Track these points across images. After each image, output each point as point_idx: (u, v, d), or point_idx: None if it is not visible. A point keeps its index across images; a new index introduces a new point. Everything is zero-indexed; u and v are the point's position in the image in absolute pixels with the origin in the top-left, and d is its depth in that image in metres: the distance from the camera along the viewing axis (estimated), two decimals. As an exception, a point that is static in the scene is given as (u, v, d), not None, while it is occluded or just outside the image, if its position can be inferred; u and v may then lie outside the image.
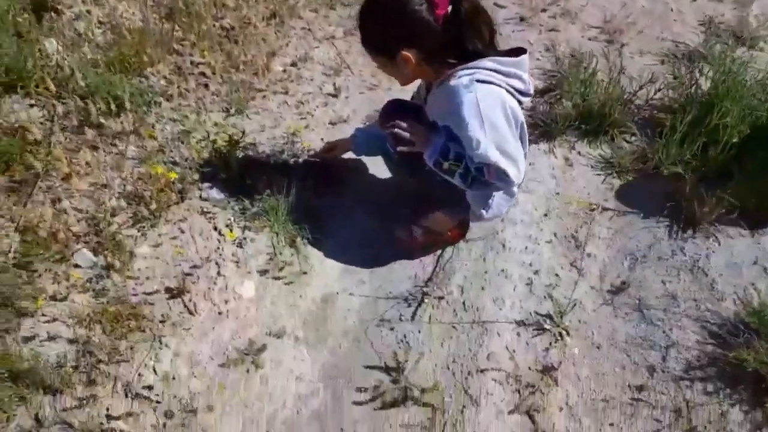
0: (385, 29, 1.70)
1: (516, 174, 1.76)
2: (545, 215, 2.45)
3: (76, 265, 1.97)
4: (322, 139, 2.66)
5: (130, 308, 1.90)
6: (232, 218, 2.25)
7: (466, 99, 1.66)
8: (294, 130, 2.65)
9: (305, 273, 2.16)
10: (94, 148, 2.22)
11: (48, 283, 1.88)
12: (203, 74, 2.73)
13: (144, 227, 2.14)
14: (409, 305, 2.14)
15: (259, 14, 3.19)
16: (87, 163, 2.17)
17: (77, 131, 2.19)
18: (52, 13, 2.45)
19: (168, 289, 2.00)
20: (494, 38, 1.72)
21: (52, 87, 2.07)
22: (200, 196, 2.30)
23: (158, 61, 2.60)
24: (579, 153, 2.74)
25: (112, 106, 2.19)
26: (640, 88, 2.79)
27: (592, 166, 2.69)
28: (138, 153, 2.32)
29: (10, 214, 1.93)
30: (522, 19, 3.58)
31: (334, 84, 2.89)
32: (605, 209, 2.51)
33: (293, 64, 3.01)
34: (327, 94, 2.89)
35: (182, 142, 2.44)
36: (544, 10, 3.65)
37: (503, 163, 1.71)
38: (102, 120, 2.19)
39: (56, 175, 2.06)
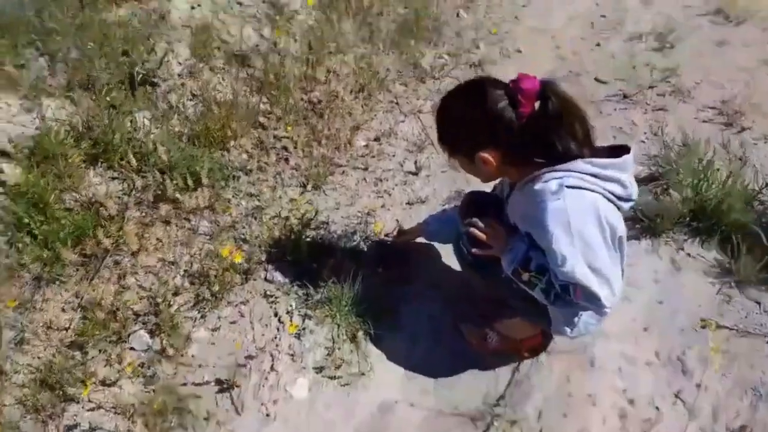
0: (461, 129, 1.54)
1: (608, 297, 1.50)
2: (645, 330, 2.12)
3: (132, 348, 1.91)
4: (397, 221, 2.52)
5: (177, 401, 1.80)
6: (294, 305, 2.14)
7: (553, 207, 1.44)
8: (369, 210, 2.53)
9: (363, 374, 1.98)
10: (167, 222, 2.21)
11: (100, 365, 1.84)
12: (285, 148, 2.71)
13: (205, 309, 2.08)
14: (477, 427, 1.87)
15: (347, 87, 3.17)
16: (158, 239, 2.16)
17: (152, 206, 2.20)
18: (148, 87, 2.53)
19: (218, 381, 1.90)
20: (590, 135, 1.50)
21: (134, 162, 2.10)
22: (265, 278, 2.21)
23: (242, 135, 2.61)
24: (688, 255, 2.39)
25: (189, 182, 2.18)
26: (767, 184, 2.41)
27: (704, 272, 2.32)
28: (210, 229, 2.29)
29: (75, 290, 1.92)
30: (625, 97, 3.30)
31: (416, 162, 2.77)
32: (720, 327, 2.13)
33: (376, 139, 2.93)
34: (407, 171, 2.77)
35: (255, 218, 2.39)
36: (651, 87, 3.35)
37: (593, 284, 1.47)
38: (178, 195, 2.18)
39: (126, 251, 2.06)
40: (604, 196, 1.49)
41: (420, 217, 2.53)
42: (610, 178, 1.48)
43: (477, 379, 1.99)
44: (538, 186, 1.47)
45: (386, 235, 2.36)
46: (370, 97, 3.17)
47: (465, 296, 2.18)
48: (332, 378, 1.96)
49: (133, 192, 2.18)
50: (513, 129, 1.44)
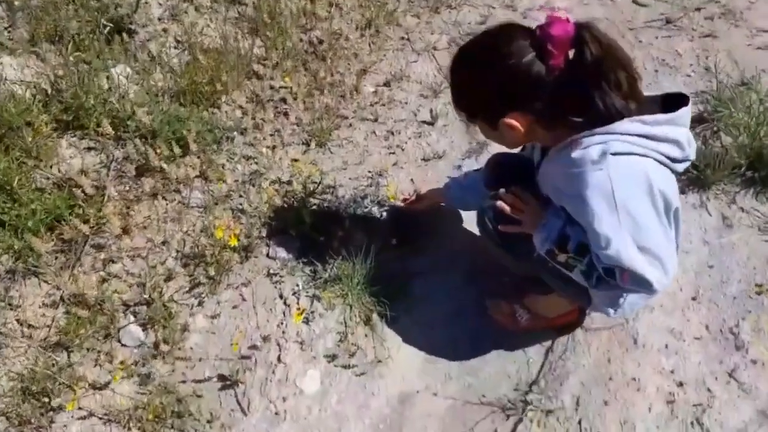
0: (480, 92, 1.25)
1: (660, 279, 1.25)
2: (693, 299, 1.88)
3: (123, 344, 1.73)
4: (411, 180, 2.26)
5: (176, 402, 1.64)
6: (300, 284, 1.93)
7: (594, 179, 1.18)
8: (380, 169, 2.26)
9: (380, 362, 1.79)
10: (154, 196, 1.98)
11: (89, 367, 1.67)
12: (283, 100, 2.41)
13: (202, 294, 1.88)
14: (508, 417, 1.70)
15: (352, 24, 2.81)
16: (145, 217, 1.94)
17: (135, 179, 1.95)
18: (125, 35, 2.21)
19: (221, 377, 1.73)
20: (636, 86, 1.20)
21: (110, 129, 1.83)
22: (267, 254, 2.00)
23: (234, 88, 2.31)
24: (742, 209, 2.11)
25: (176, 149, 1.92)
26: (839, 126, 2.08)
27: (760, 229, 2.05)
28: (203, 200, 2.05)
29: (55, 282, 1.72)
30: (668, 22, 2.90)
31: (431, 110, 2.46)
32: (780, 294, 1.89)
33: (386, 84, 2.61)
34: (422, 121, 2.46)
35: (253, 185, 2.14)
36: (698, 9, 2.94)
37: (643, 268, 1.22)
38: (164, 165, 1.92)
39: (109, 233, 1.83)
40: (657, 161, 1.21)
41: (438, 174, 2.27)
42: (664, 137, 1.20)
43: (506, 363, 1.80)
44: (575, 153, 1.21)
45: (402, 200, 2.10)
46: (377, 33, 2.82)
47: (490, 268, 1.94)
48: (346, 367, 1.78)
49: (113, 164, 1.93)
50: (543, 86, 1.15)
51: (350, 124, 2.43)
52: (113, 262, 1.84)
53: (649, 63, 2.69)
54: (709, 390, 1.70)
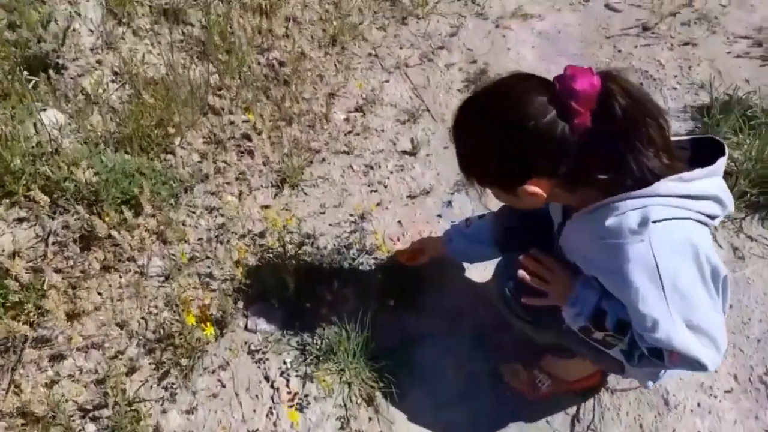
0: (493, 159, 1.06)
1: (714, 358, 1.09)
2: (717, 345, 1.75)
3: (81, 460, 1.42)
4: (399, 222, 2.02)
5: None
6: (289, 362, 1.66)
7: (635, 252, 1.00)
8: (363, 211, 2.01)
9: (389, 448, 1.56)
10: (105, 269, 1.65)
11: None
12: (247, 137, 2.11)
13: (173, 385, 1.58)
14: (538, 502, 1.51)
15: (314, 41, 2.53)
16: (97, 293, 1.61)
17: (80, 253, 1.62)
18: (51, 72, 1.85)
19: (205, 489, 1.45)
20: (669, 139, 1.02)
21: (43, 196, 1.49)
22: (246, 327, 1.72)
23: (188, 128, 1.99)
24: (750, 238, 2.00)
25: (126, 213, 1.60)
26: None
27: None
28: (163, 267, 1.74)
29: (-11, 397, 1.39)
30: (645, 29, 2.79)
31: (412, 139, 2.23)
32: (801, 331, 1.79)
33: (358, 109, 2.35)
34: (402, 152, 2.23)
35: (221, 243, 1.84)
36: (673, 14, 2.83)
37: (696, 349, 1.06)
38: (113, 232, 1.60)
39: (53, 323, 1.50)
40: (697, 221, 1.04)
41: (426, 213, 2.05)
42: (704, 195, 1.04)
43: (528, 436, 1.61)
44: (611, 221, 1.03)
45: (396, 252, 1.85)
46: (343, 51, 2.55)
47: (500, 325, 1.74)
48: (351, 459, 1.54)
49: (50, 238, 1.59)
50: (567, 149, 0.98)
51: (323, 159, 2.17)
52: (62, 358, 1.52)
53: (632, 76, 2.55)
54: (748, 452, 1.57)
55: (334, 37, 2.55)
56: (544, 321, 1.37)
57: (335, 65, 2.49)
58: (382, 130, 2.30)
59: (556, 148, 0.98)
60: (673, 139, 1.09)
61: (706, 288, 1.06)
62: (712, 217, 1.07)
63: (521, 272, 1.26)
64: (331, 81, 2.42)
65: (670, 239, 1.01)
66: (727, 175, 2.07)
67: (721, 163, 1.05)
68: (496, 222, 1.57)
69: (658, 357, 1.11)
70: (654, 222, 0.99)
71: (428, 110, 2.38)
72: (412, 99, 2.43)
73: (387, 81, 2.48)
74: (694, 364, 1.09)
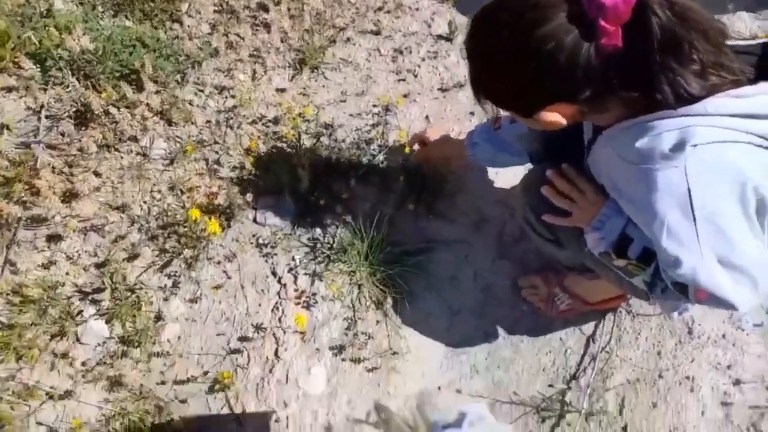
0: (508, 84, 0.90)
1: (748, 299, 0.96)
2: (757, 277, 1.62)
3: (83, 342, 1.41)
4: (426, 118, 1.84)
5: (156, 410, 1.37)
6: (298, 259, 1.59)
7: (665, 180, 0.87)
8: (388, 103, 1.83)
9: (396, 354, 1.52)
10: (105, 149, 1.53)
11: (44, 372, 1.35)
12: (263, 8, 1.88)
13: (176, 273, 1.53)
14: (543, 419, 1.49)
15: None
16: (95, 174, 1.51)
17: (76, 128, 1.50)
18: None
19: (206, 375, 1.44)
20: (722, 54, 0.84)
21: (32, 66, 1.34)
22: (254, 219, 1.63)
23: (198, -7, 1.77)
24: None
25: (126, 89, 1.46)
26: None
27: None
28: (168, 150, 1.63)
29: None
30: None
31: (450, 21, 1.97)
32: None
33: (392, -15, 2.07)
34: (437, 36, 1.99)
35: (230, 127, 1.71)
36: None
37: (726, 289, 0.93)
38: (112, 108, 1.47)
39: (48, 203, 1.42)
40: (753, 144, 0.87)
41: (458, 110, 1.86)
42: (765, 113, 0.85)
43: (540, 354, 1.55)
44: (641, 142, 0.88)
45: (411, 148, 1.69)
46: None
47: (524, 236, 1.63)
48: (356, 361, 1.51)
49: (43, 110, 1.46)
50: (592, 73, 0.81)
51: (348, 38, 1.94)
52: (59, 239, 1.45)
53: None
54: (769, 389, 1.50)
55: None
56: (567, 241, 1.26)
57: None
58: (417, 9, 2.03)
59: (579, 73, 0.81)
60: (740, 43, 0.91)
61: (749, 223, 0.91)
62: None
63: (545, 188, 1.15)
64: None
65: (710, 166, 0.86)
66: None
67: None
68: (530, 136, 1.39)
69: (683, 292, 1.00)
70: (693, 146, 0.84)
71: (469, -12, 2.09)
72: (453, -23, 2.12)
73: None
74: (723, 303, 0.97)
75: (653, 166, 0.87)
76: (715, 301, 0.97)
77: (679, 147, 0.85)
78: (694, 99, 0.83)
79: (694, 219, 0.88)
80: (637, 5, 0.77)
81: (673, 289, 1.01)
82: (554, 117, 0.91)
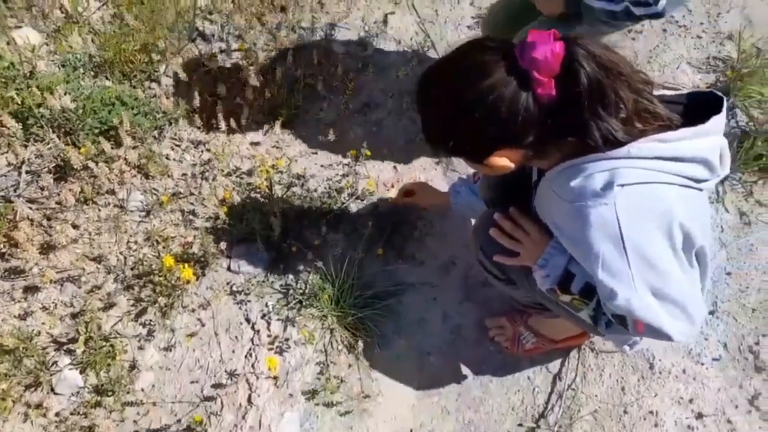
0: (454, 133, 0.98)
1: (684, 331, 1.03)
2: (711, 313, 1.71)
3: (57, 392, 1.42)
4: (395, 168, 1.94)
5: (128, 462, 1.37)
6: (270, 305, 1.63)
7: (597, 216, 0.94)
8: (358, 154, 1.92)
9: (368, 397, 1.55)
10: (83, 202, 1.59)
11: (17, 423, 1.36)
12: (237, 68, 1.99)
13: (151, 322, 1.56)
14: (513, 457, 1.52)
15: (314, -36, 2.34)
16: (73, 226, 1.55)
17: (55, 182, 1.55)
18: (28, -16, 1.72)
19: (179, 422, 1.45)
20: (645, 102, 0.94)
21: (14, 125, 1.41)
22: (228, 267, 1.68)
23: (174, 54, 1.87)
24: (759, 203, 1.91)
25: (105, 145, 1.52)
26: None
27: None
28: (145, 202, 1.68)
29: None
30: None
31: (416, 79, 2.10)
32: (799, 302, 1.73)
33: (360, 44, 2.21)
34: (404, 91, 2.10)
35: (206, 179, 1.77)
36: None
37: (660, 319, 1.00)
38: (91, 163, 1.53)
39: (27, 255, 1.46)
40: (677, 185, 0.96)
41: (423, 160, 1.96)
42: (690, 157, 0.95)
43: (509, 393, 1.59)
44: (575, 182, 0.97)
45: (396, 197, 1.77)
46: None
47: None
48: (328, 406, 1.53)
49: (24, 166, 1.52)
50: (533, 118, 0.90)
51: (319, 94, 2.05)
52: (36, 290, 1.48)
53: (656, 21, 2.37)
54: (729, 422, 1.55)
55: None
56: (518, 280, 1.32)
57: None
58: (384, 67, 2.16)
59: (520, 119, 0.90)
60: (668, 93, 1.02)
61: (676, 257, 0.99)
62: (699, 181, 0.98)
63: (493, 230, 1.24)
64: (332, 10, 2.26)
65: (638, 203, 0.94)
66: (745, 135, 1.96)
67: (715, 122, 0.95)
68: (483, 177, 1.49)
69: (623, 324, 1.06)
70: (621, 185, 0.92)
71: (434, 47, 2.24)
72: (417, 34, 2.27)
73: (393, 13, 2.32)
74: (660, 335, 1.03)
75: (586, 204, 0.95)
76: (653, 332, 1.03)
77: (608, 186, 0.93)
78: (620, 143, 0.91)
79: (626, 252, 0.95)
80: (566, 58, 0.86)
81: (615, 322, 1.07)
82: (502, 162, 0.99)
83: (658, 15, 1.41)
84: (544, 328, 1.58)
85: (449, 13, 2.35)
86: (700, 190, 1.00)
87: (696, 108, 0.98)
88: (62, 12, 1.81)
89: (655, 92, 0.98)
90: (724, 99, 0.97)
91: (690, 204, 0.98)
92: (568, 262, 1.11)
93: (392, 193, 1.85)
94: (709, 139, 0.96)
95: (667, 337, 1.02)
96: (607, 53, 0.89)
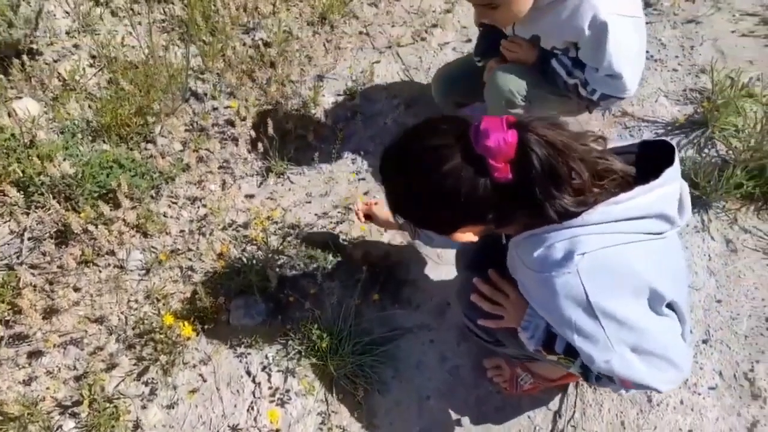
0: (418, 214, 1.01)
1: (670, 379, 1.06)
2: (705, 342, 1.73)
3: (61, 458, 1.43)
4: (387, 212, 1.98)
5: None
6: (270, 357, 1.66)
7: (562, 286, 0.96)
8: (350, 202, 1.97)
9: (370, 444, 1.56)
10: (84, 264, 1.63)
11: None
12: (230, 123, 2.06)
13: (153, 380, 1.58)
14: (517, 499, 1.52)
15: (302, 19, 2.44)
16: (74, 289, 1.59)
17: (56, 247, 1.60)
18: (25, 57, 1.79)
19: (184, 486, 1.46)
20: (598, 167, 0.95)
21: (16, 194, 1.46)
22: (228, 321, 1.70)
23: (169, 115, 1.94)
24: (744, 230, 1.96)
25: (104, 208, 1.57)
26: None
27: (765, 252, 1.91)
28: (144, 261, 1.72)
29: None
30: (648, 5, 2.67)
31: (403, 124, 2.16)
32: (789, 326, 1.76)
33: (347, 92, 2.28)
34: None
35: (203, 235, 1.82)
36: (677, -11, 2.71)
37: (643, 375, 1.03)
38: (91, 226, 1.58)
39: (30, 320, 1.49)
40: (639, 241, 0.98)
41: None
42: (646, 212, 0.97)
43: (510, 432, 1.61)
44: (538, 253, 0.99)
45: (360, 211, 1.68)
46: (332, 29, 2.47)
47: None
48: (331, 457, 1.54)
49: (26, 233, 1.56)
50: (490, 201, 0.93)
51: (310, 145, 2.11)
52: (40, 354, 1.51)
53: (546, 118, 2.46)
54: (729, 450, 1.57)
55: (323, 14, 2.46)
56: (506, 340, 1.33)
57: (324, 45, 2.41)
58: (371, 114, 2.24)
59: (478, 203, 0.92)
60: (620, 144, 1.03)
61: (648, 313, 1.02)
62: (660, 233, 1.00)
63: (474, 296, 1.26)
64: (319, 62, 2.35)
65: (600, 268, 0.96)
66: (725, 163, 2.02)
67: (668, 175, 0.96)
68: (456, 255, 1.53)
69: (611, 380, 1.09)
70: (581, 254, 0.94)
71: (420, 92, 2.31)
72: (404, 81, 2.36)
73: (378, 62, 2.41)
74: (647, 388, 1.06)
75: (550, 274, 0.96)
76: (639, 386, 1.05)
77: (568, 256, 0.95)
78: (576, 214, 0.93)
79: (597, 317, 0.97)
80: (519, 144, 0.89)
81: (603, 377, 1.09)
82: (466, 237, 1.01)
83: (594, 103, 1.52)
84: (541, 369, 1.60)
85: (433, 59, 2.44)
86: (664, 238, 1.00)
87: (649, 153, 1.00)
88: (60, 80, 1.88)
89: (608, 145, 0.99)
90: (675, 149, 0.99)
91: (655, 257, 1.00)
92: (548, 323, 1.12)
93: (385, 238, 1.89)
94: (663, 189, 0.97)
95: (653, 390, 1.05)
96: (556, 133, 0.91)
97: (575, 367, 1.14)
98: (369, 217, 1.70)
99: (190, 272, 1.75)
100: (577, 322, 0.98)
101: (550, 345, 1.14)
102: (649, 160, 0.99)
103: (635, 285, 0.98)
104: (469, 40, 2.50)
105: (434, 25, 2.55)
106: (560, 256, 0.95)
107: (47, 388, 1.48)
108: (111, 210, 1.65)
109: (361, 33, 2.50)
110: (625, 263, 0.97)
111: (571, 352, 1.11)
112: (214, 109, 2.06)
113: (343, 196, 1.99)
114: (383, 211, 1.66)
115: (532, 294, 1.07)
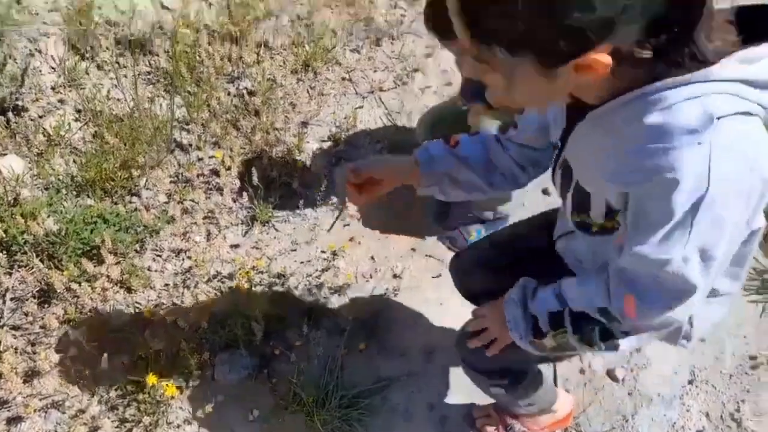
0: (540, 19, 0.63)
1: (706, 286, 0.83)
2: (690, 383, 1.74)
3: None
4: (372, 258, 2.00)
5: None
6: (256, 412, 1.64)
7: (688, 161, 0.70)
8: (336, 248, 1.98)
9: (358, 502, 1.54)
10: (66, 323, 1.61)
11: None
12: (215, 173, 2.07)
13: (136, 443, 1.55)
14: None
15: (286, 67, 2.49)
16: (56, 351, 1.57)
17: (38, 307, 1.59)
18: (10, 114, 1.81)
19: None
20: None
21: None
22: (212, 376, 1.69)
23: (154, 167, 1.95)
24: (725, 268, 1.98)
25: (87, 266, 1.57)
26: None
27: (744, 288, 1.93)
28: (127, 315, 1.71)
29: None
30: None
31: (386, 169, 2.18)
32: (773, 364, 1.78)
33: (332, 138, 2.31)
34: (376, 182, 2.19)
35: (187, 288, 1.81)
36: None
37: (692, 272, 0.79)
38: (73, 285, 1.57)
39: (10, 385, 1.47)
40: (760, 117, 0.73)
41: (401, 245, 2.02)
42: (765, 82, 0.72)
43: (500, 484, 1.59)
44: (654, 117, 0.72)
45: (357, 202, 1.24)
46: (315, 76, 2.51)
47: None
48: None
49: (8, 293, 1.56)
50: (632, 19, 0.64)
51: (295, 192, 2.13)
52: (20, 420, 1.49)
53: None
54: (720, 496, 1.56)
55: (307, 62, 2.50)
56: (515, 356, 1.20)
57: (308, 92, 2.45)
58: (355, 159, 2.25)
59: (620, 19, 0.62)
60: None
61: (746, 226, 0.78)
62: None
63: (471, 341, 1.22)
64: (303, 109, 2.38)
65: (735, 145, 0.70)
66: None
67: None
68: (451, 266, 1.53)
69: (606, 315, 0.94)
70: (718, 118, 0.69)
71: (402, 130, 2.35)
72: (386, 126, 2.39)
73: (361, 107, 2.45)
74: (681, 295, 0.82)
75: (674, 145, 0.70)
76: (667, 293, 0.83)
77: (706, 119, 0.69)
78: (706, 63, 0.69)
79: (702, 200, 0.71)
80: None
81: (600, 317, 0.95)
82: (601, 60, 0.65)
83: None
84: (529, 421, 1.60)
85: (415, 103, 2.49)
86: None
87: (749, 25, 0.74)
88: (44, 136, 1.89)
89: None
90: None
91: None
92: (524, 309, 1.06)
93: (371, 285, 1.90)
94: None
95: (684, 294, 0.81)
96: None
97: (572, 337, 0.99)
98: (368, 189, 1.19)
99: (173, 327, 1.74)
100: (677, 213, 0.72)
101: (537, 329, 1.03)
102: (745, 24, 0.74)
103: (764, 179, 0.72)
104: (450, 84, 2.55)
105: (415, 70, 2.60)
106: (695, 120, 0.69)
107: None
108: (95, 266, 1.65)
109: (343, 79, 2.54)
110: (757, 143, 0.71)
111: (556, 322, 1.00)
112: (199, 159, 2.08)
113: (328, 242, 1.99)
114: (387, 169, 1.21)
115: (612, 185, 0.81)
